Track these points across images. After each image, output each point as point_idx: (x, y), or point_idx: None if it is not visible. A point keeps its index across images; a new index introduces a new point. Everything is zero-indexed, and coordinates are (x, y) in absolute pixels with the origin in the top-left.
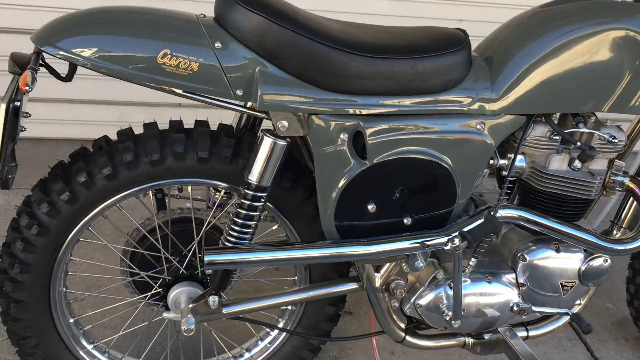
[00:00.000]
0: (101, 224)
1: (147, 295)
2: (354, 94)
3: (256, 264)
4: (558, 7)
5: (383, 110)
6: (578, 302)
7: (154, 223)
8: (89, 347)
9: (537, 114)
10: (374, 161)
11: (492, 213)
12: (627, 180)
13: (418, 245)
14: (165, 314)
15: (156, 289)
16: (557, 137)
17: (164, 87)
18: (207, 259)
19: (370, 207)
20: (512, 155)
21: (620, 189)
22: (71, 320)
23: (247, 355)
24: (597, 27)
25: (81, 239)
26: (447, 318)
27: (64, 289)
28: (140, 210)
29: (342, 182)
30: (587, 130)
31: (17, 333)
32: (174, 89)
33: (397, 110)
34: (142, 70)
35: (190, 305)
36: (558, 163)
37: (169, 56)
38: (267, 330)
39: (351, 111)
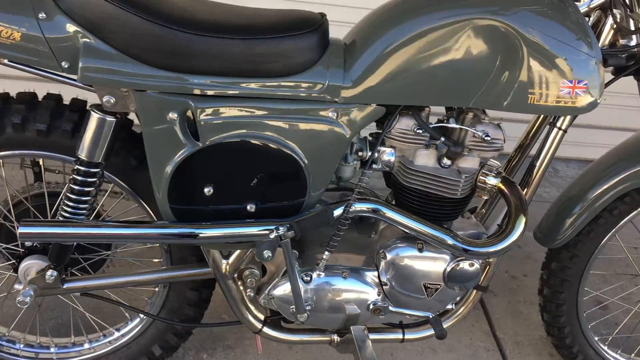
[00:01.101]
0: None
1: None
2: (185, 72)
3: (74, 239)
4: None
5: (216, 91)
6: (450, 306)
7: (25, 194)
8: None
9: (403, 105)
10: (207, 143)
11: (346, 206)
12: (497, 182)
13: (245, 232)
14: (15, 285)
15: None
16: (422, 131)
17: None
18: (20, 230)
19: (207, 191)
20: (381, 148)
21: (491, 190)
22: None
23: (116, 334)
24: (462, 16)
25: None
26: (292, 310)
27: None
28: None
29: (173, 163)
30: (456, 126)
31: None
32: (0, 59)
33: (233, 92)
34: None
35: (29, 278)
36: (424, 159)
37: None
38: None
39: (181, 90)
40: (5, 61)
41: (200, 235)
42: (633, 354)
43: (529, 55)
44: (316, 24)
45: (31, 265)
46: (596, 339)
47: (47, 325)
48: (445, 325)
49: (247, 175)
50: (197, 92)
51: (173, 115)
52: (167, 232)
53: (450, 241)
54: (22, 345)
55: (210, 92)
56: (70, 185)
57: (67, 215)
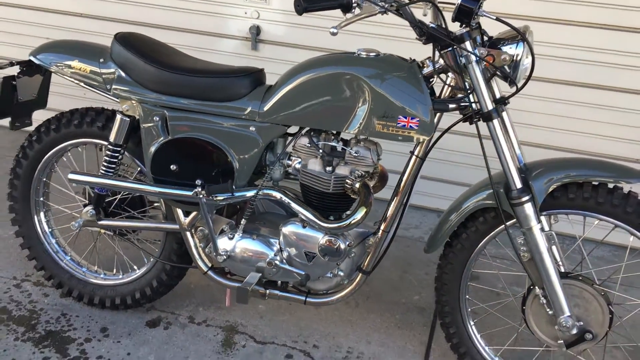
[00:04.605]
0: None
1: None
2: (166, 94)
3: (97, 185)
4: (323, 56)
5: (181, 106)
6: (328, 275)
7: None
8: (53, 241)
9: (301, 126)
10: (174, 137)
11: (257, 191)
12: (358, 185)
13: (174, 193)
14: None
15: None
16: (310, 145)
17: (75, 81)
18: (69, 177)
19: (173, 168)
20: (294, 158)
21: (355, 190)
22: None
23: (137, 271)
24: (332, 70)
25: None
26: (214, 254)
27: (41, 198)
28: None
29: (154, 147)
30: (333, 144)
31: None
32: (79, 83)
33: (192, 108)
34: (75, 74)
35: (81, 213)
36: (313, 165)
37: (79, 63)
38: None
39: (161, 104)
40: (82, 84)
41: (149, 190)
42: None
43: (375, 98)
44: (248, 72)
45: (87, 209)
46: (486, 348)
47: (101, 258)
48: (333, 298)
49: (196, 160)
50: (169, 105)
51: (156, 119)
52: (131, 186)
53: (311, 217)
54: (85, 269)
55: (177, 106)
56: (104, 157)
57: (102, 172)
